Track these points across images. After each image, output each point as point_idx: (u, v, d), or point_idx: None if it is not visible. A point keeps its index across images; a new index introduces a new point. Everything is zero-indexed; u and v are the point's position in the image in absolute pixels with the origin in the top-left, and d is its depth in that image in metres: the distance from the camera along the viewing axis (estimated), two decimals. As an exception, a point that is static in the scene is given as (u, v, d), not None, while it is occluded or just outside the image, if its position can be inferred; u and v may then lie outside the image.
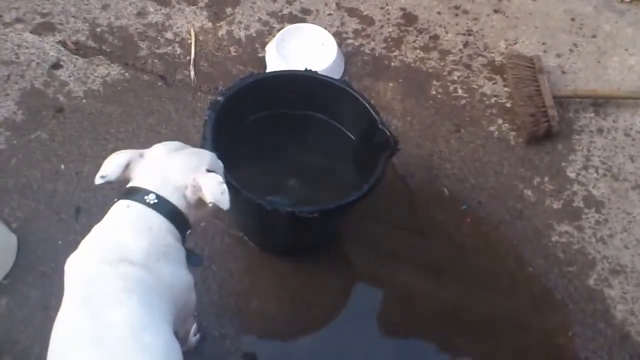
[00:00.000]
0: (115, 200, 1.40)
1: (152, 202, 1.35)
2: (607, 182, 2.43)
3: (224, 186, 1.40)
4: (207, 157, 1.50)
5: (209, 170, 1.44)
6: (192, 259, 1.49)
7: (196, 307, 1.59)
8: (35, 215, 2.19)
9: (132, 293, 1.23)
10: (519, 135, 2.53)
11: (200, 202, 1.42)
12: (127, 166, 1.41)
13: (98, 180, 1.38)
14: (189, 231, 1.44)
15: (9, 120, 2.42)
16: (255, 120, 2.08)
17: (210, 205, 1.40)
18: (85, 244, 1.34)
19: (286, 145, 2.09)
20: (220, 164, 1.55)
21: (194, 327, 1.87)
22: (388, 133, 1.91)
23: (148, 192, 1.36)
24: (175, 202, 1.39)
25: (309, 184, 2.00)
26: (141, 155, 1.44)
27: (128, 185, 1.42)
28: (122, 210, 1.36)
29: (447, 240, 2.25)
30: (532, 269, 2.20)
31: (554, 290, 2.16)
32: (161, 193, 1.38)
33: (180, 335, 1.55)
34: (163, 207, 1.36)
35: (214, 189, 1.38)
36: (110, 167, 1.39)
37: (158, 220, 1.36)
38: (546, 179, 2.42)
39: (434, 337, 2.06)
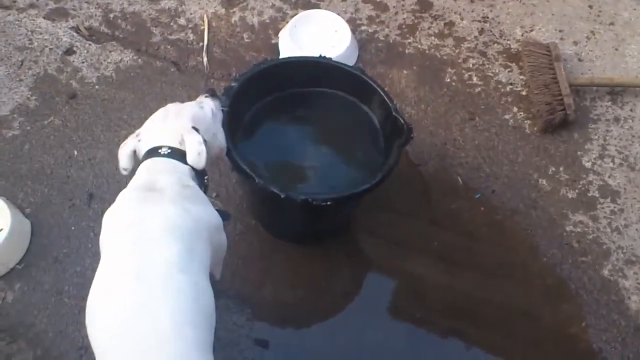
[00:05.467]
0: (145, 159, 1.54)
1: (166, 152, 1.51)
2: (623, 171, 2.41)
3: (202, 147, 1.53)
4: (190, 113, 1.62)
5: (194, 128, 1.56)
6: (219, 214, 1.59)
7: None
8: (49, 201, 2.20)
9: (175, 237, 1.35)
10: (535, 123, 2.50)
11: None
12: (134, 152, 1.57)
13: (123, 172, 1.57)
14: (207, 177, 1.59)
15: (23, 106, 2.43)
16: (269, 105, 2.07)
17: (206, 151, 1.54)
18: (122, 195, 1.46)
19: (300, 131, 2.07)
20: (206, 113, 1.67)
21: None
22: (402, 121, 1.89)
23: (161, 147, 1.52)
24: (195, 163, 1.53)
25: (324, 169, 1.99)
26: (138, 139, 1.57)
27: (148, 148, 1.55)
28: (147, 165, 1.51)
29: (460, 229, 2.24)
30: (546, 258, 2.19)
31: (568, 281, 2.14)
32: (173, 145, 1.54)
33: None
34: (176, 153, 1.52)
35: (193, 150, 1.52)
36: (124, 161, 1.56)
37: (177, 164, 1.51)
38: (561, 168, 2.40)
39: (447, 326, 2.05)
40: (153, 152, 1.52)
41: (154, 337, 1.21)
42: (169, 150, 1.52)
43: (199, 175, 1.55)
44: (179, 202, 1.41)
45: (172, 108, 1.64)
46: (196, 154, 1.52)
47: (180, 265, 1.31)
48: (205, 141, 1.55)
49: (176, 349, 1.21)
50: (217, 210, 1.58)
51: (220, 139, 1.69)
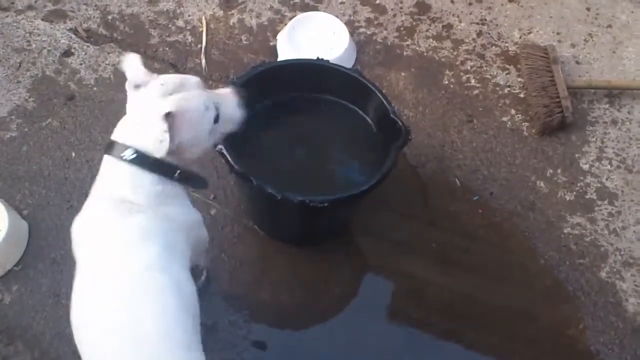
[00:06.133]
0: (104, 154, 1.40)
1: (129, 157, 1.33)
2: (620, 174, 2.41)
3: (165, 135, 1.29)
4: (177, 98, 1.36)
5: (168, 114, 1.30)
6: (196, 183, 1.48)
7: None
8: (46, 203, 2.20)
9: (152, 240, 1.32)
10: (532, 126, 2.51)
11: (180, 147, 1.34)
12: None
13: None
14: (179, 171, 1.39)
15: (21, 107, 2.43)
16: (266, 107, 2.07)
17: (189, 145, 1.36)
18: (89, 204, 1.39)
19: (298, 133, 2.07)
20: (196, 106, 1.38)
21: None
22: (400, 123, 1.90)
23: (125, 147, 1.34)
24: (154, 152, 1.33)
25: (321, 171, 1.99)
26: (136, 87, 1.43)
27: (111, 137, 1.40)
28: (110, 168, 1.37)
29: (458, 232, 2.24)
30: (543, 260, 2.19)
31: (566, 283, 2.14)
32: (138, 146, 1.33)
33: (194, 273, 1.58)
34: (142, 160, 1.33)
35: (152, 135, 1.32)
36: (128, 68, 1.43)
37: (143, 175, 1.34)
38: (559, 170, 2.40)
39: (445, 328, 2.05)
40: (115, 150, 1.35)
41: (138, 340, 1.22)
42: (134, 156, 1.32)
43: (168, 174, 1.37)
44: (152, 207, 1.35)
45: (170, 82, 1.41)
46: (156, 141, 1.31)
47: (160, 266, 1.30)
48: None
49: (161, 349, 1.23)
50: (194, 178, 1.45)
51: (209, 139, 1.46)
